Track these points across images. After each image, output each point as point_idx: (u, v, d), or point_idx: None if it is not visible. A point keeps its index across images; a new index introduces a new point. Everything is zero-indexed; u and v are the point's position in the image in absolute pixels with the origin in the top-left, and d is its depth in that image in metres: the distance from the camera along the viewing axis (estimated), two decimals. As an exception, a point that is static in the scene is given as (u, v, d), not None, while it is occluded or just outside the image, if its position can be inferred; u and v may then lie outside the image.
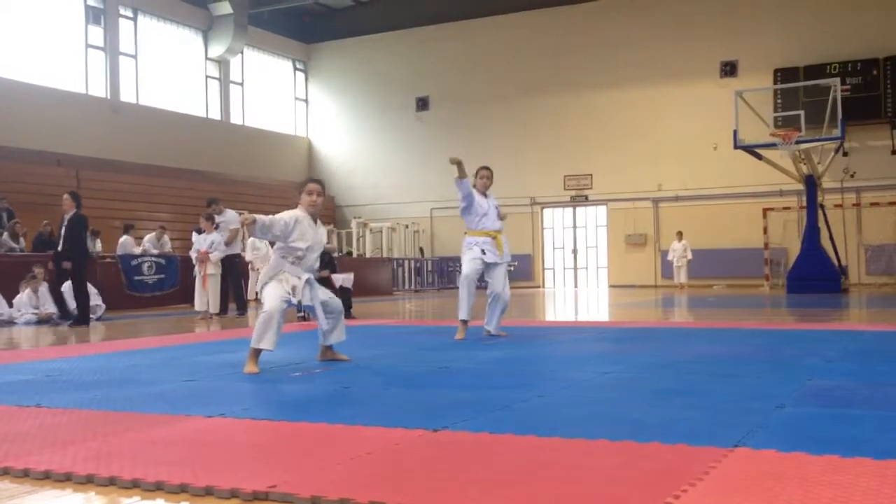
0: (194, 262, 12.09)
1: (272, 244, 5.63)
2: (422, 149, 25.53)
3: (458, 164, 7.12)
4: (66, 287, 11.92)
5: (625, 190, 23.60)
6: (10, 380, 5.06)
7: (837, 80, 17.12)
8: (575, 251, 25.02)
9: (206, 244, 11.97)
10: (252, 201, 21.09)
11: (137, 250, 15.60)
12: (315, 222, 5.49)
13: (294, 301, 5.35)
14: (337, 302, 5.64)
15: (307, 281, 5.34)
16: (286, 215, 5.34)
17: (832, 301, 13.69)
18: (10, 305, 11.44)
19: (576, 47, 24.20)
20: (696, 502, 2.22)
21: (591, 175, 24.24)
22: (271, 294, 5.27)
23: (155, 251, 15.67)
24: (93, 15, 20.63)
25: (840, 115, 16.28)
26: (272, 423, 3.50)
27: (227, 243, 12.21)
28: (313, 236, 5.41)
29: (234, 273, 12.47)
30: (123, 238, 15.83)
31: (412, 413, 3.67)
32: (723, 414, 3.49)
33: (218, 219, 12.29)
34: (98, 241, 15.83)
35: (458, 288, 7.44)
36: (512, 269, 23.94)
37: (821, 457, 2.65)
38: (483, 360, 5.69)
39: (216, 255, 11.89)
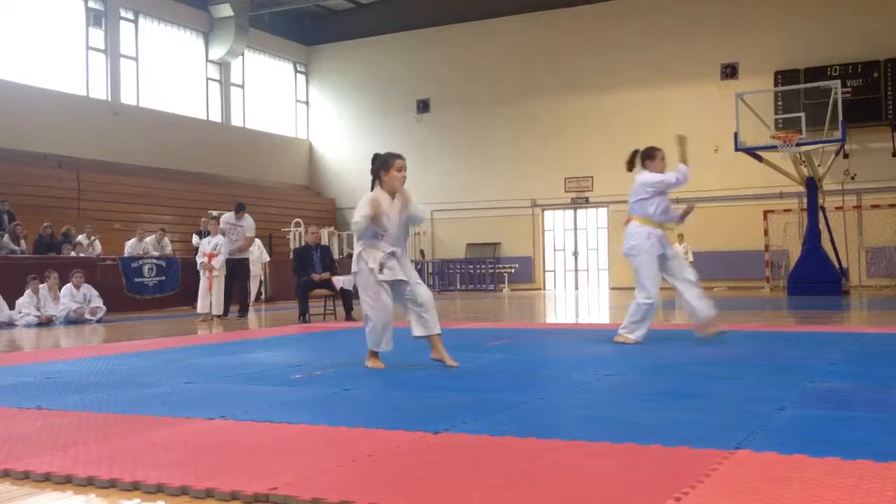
0: (199, 267, 12.07)
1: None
2: (423, 151, 25.51)
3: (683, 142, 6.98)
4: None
5: (626, 192, 23.19)
6: (11, 382, 5.06)
7: (838, 82, 17.10)
8: (576, 253, 25.02)
9: (211, 247, 11.99)
10: (253, 203, 21.07)
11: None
12: (393, 198, 5.45)
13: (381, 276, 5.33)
14: (423, 291, 5.43)
15: (391, 253, 5.38)
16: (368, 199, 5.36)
17: (833, 303, 13.69)
18: (12, 307, 11.43)
19: (576, 50, 24.21)
20: (697, 505, 2.22)
21: (591, 177, 24.24)
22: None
23: (156, 253, 15.68)
24: (94, 17, 20.64)
25: (841, 118, 16.27)
26: (273, 425, 3.50)
27: (242, 250, 12.26)
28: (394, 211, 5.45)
29: (243, 276, 12.51)
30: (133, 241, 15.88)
31: (413, 415, 3.67)
32: (724, 416, 3.49)
33: (237, 220, 12.28)
34: (97, 242, 15.83)
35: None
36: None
37: (822, 459, 2.65)
38: (484, 363, 5.69)
39: (220, 259, 11.90)
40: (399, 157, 5.48)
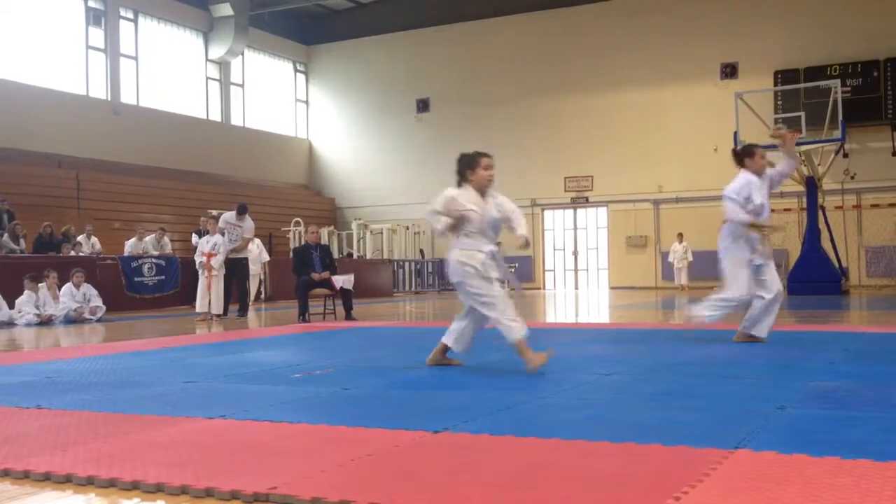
0: (198, 266, 12.06)
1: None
2: (422, 150, 25.52)
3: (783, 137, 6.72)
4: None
5: (625, 191, 23.60)
6: (11, 381, 5.06)
7: (838, 81, 17.12)
8: (575, 253, 25.02)
9: (209, 246, 11.97)
10: (253, 203, 21.07)
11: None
12: (482, 196, 5.21)
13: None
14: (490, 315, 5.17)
15: (490, 253, 5.15)
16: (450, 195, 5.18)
17: (833, 303, 13.68)
18: (12, 307, 11.43)
19: (576, 49, 24.21)
20: (697, 504, 2.22)
21: (591, 177, 24.24)
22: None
23: (155, 252, 15.67)
24: (93, 16, 20.64)
25: (840, 117, 16.28)
26: (273, 424, 3.50)
27: (239, 251, 12.28)
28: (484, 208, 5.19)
29: (241, 275, 12.52)
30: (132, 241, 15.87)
31: (413, 414, 3.67)
32: (724, 415, 3.49)
33: (237, 220, 12.27)
34: (96, 241, 15.83)
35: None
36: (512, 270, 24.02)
37: (822, 459, 2.65)
38: (483, 362, 5.69)
39: (219, 259, 11.89)
40: (486, 155, 5.23)
